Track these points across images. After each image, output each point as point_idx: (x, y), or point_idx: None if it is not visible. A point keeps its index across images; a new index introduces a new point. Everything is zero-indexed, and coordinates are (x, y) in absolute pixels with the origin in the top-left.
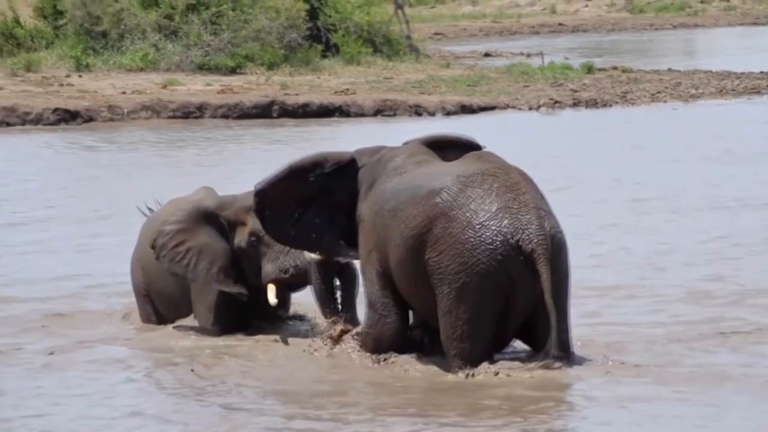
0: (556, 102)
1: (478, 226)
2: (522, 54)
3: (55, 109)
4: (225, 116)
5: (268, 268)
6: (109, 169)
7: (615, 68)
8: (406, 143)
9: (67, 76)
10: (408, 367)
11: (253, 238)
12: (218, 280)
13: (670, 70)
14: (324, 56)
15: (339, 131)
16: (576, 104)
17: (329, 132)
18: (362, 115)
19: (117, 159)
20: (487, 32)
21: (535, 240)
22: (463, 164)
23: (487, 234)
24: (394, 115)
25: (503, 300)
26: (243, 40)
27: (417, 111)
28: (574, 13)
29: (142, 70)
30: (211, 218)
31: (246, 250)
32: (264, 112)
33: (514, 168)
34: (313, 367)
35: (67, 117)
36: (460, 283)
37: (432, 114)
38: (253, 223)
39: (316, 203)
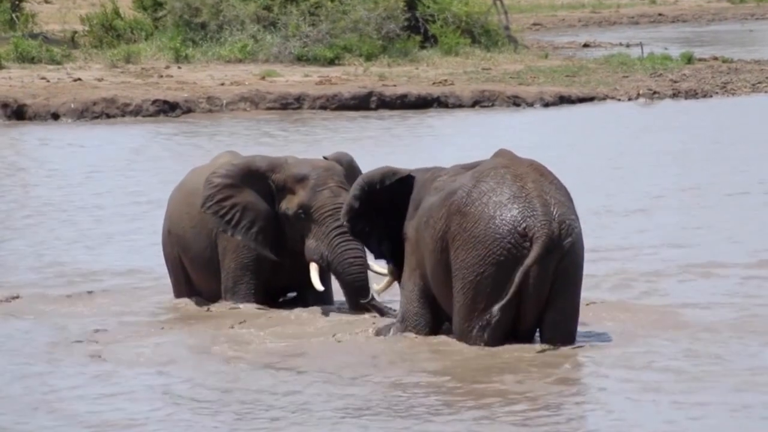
0: (655, 92)
1: (488, 218)
2: (621, 44)
3: (155, 101)
4: (323, 107)
5: (311, 244)
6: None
7: (715, 58)
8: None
9: (167, 67)
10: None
11: (301, 211)
12: (256, 240)
13: None
14: (422, 47)
15: (437, 122)
16: (675, 95)
17: (427, 123)
18: (460, 106)
19: (215, 150)
20: (586, 22)
21: (540, 224)
22: (482, 163)
23: (497, 224)
24: (492, 105)
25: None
26: (341, 31)
27: (515, 102)
28: (674, 3)
29: (240, 61)
30: (261, 178)
31: (291, 218)
32: (362, 103)
33: (526, 160)
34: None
35: (166, 108)
36: (475, 275)
37: (530, 105)
38: (303, 195)
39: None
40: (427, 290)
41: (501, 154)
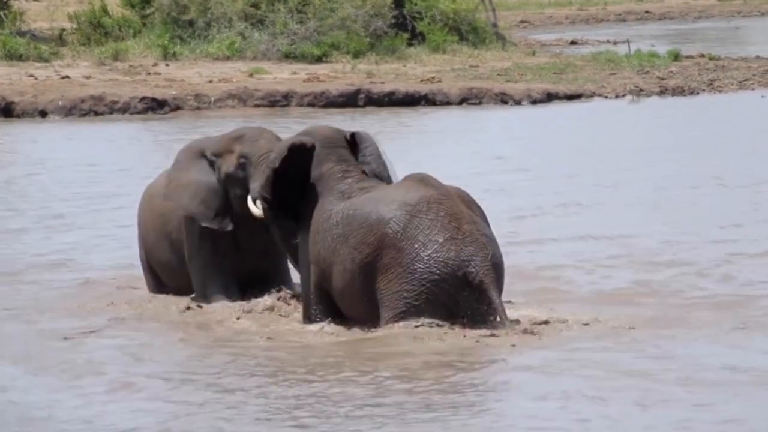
0: (642, 90)
1: (426, 258)
2: (608, 42)
3: (143, 98)
4: (311, 105)
5: (254, 186)
6: None
7: (702, 55)
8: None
9: (154, 65)
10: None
11: (243, 160)
12: (199, 211)
13: (758, 57)
14: (410, 44)
15: (425, 119)
16: (662, 92)
17: (415, 120)
18: (448, 103)
19: None
20: (573, 20)
21: (481, 272)
22: (408, 190)
23: (435, 266)
24: (480, 103)
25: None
26: (329, 29)
27: (503, 99)
28: (661, 0)
29: (228, 58)
30: (201, 155)
31: (234, 175)
32: (349, 100)
33: (454, 192)
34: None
35: (154, 106)
36: (405, 308)
37: (518, 102)
38: (241, 147)
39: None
40: (322, 286)
41: (426, 182)
